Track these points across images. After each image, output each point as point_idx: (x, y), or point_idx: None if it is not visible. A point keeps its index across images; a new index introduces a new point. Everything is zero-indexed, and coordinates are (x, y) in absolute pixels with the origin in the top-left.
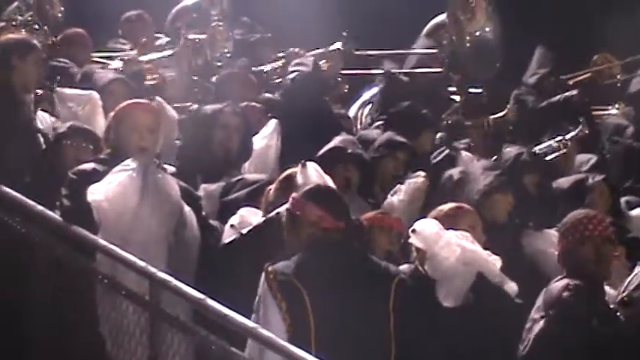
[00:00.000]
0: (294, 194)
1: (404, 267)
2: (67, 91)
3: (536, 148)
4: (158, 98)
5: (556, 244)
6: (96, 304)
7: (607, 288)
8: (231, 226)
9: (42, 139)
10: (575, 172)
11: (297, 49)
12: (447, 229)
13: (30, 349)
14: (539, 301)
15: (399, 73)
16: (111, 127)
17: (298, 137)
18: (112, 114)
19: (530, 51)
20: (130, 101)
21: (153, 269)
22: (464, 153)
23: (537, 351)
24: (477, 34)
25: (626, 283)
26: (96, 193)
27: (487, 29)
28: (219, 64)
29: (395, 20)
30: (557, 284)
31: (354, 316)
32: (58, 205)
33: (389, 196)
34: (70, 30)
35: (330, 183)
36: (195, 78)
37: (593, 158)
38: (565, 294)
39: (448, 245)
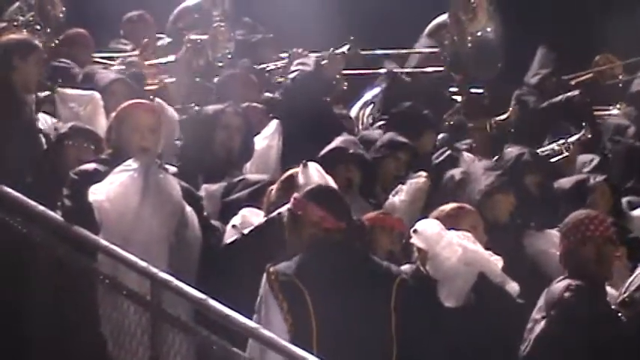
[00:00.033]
0: (295, 194)
1: (405, 267)
2: (69, 91)
3: (539, 152)
4: (158, 99)
5: (557, 245)
6: (97, 305)
7: (608, 288)
8: (233, 226)
9: (43, 140)
10: (577, 172)
11: (300, 50)
12: (449, 229)
13: (31, 349)
14: (541, 302)
15: (401, 72)
16: (112, 127)
17: (299, 137)
18: (113, 114)
19: (531, 51)
20: (131, 101)
21: (154, 269)
22: (465, 153)
23: (538, 351)
24: (479, 34)
25: (627, 284)
26: (97, 194)
27: (488, 29)
28: (220, 64)
29: (395, 20)
30: (559, 285)
31: (355, 317)
32: (59, 205)
33: (390, 196)
34: (72, 30)
35: (332, 183)
36: (197, 79)
37: (595, 159)
38: (566, 294)
39: (450, 245)
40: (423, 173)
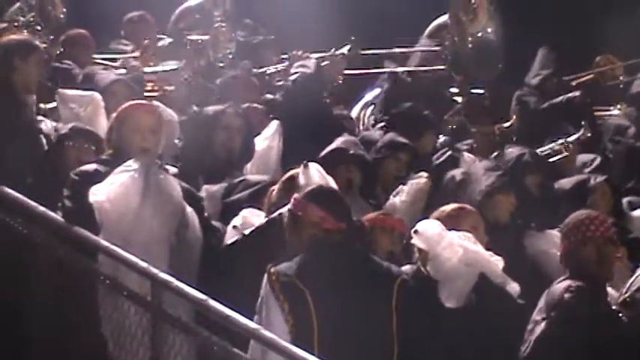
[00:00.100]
0: (295, 195)
1: (406, 268)
2: (69, 92)
3: (538, 151)
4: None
5: (558, 245)
6: (98, 305)
7: (609, 289)
8: (234, 227)
9: (44, 140)
10: (577, 172)
11: (300, 52)
12: (450, 229)
13: (31, 349)
14: (541, 303)
15: (402, 72)
16: (113, 128)
17: (300, 138)
18: (114, 115)
19: (532, 52)
20: (132, 102)
21: (155, 270)
22: (466, 154)
23: (538, 352)
24: (479, 35)
25: (628, 284)
26: (98, 194)
27: (489, 30)
28: (221, 64)
29: (395, 20)
30: (559, 286)
31: (356, 317)
32: (59, 206)
33: (391, 197)
34: (73, 31)
35: (332, 184)
36: (198, 81)
37: (597, 159)
38: (566, 296)
39: (450, 246)
40: (424, 174)
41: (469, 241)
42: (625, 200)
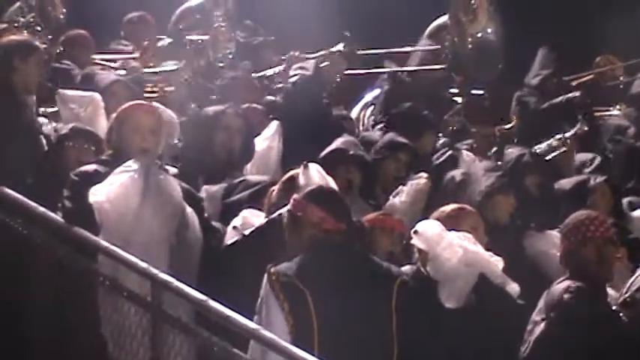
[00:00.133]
0: (295, 195)
1: (406, 268)
2: (69, 92)
3: (536, 147)
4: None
5: (558, 245)
6: (97, 306)
7: (609, 289)
8: (234, 227)
9: (44, 141)
10: (576, 171)
11: (297, 53)
12: (449, 230)
13: (31, 350)
14: (541, 303)
15: (402, 72)
16: (113, 128)
17: (300, 139)
18: (113, 115)
19: (532, 52)
20: (131, 103)
21: (154, 270)
22: (466, 154)
23: (538, 353)
24: (479, 35)
25: (628, 284)
26: (98, 195)
27: (489, 30)
28: (221, 65)
29: (395, 20)
30: (559, 286)
31: (356, 317)
32: (59, 206)
33: (391, 197)
34: (73, 31)
35: (332, 184)
36: (198, 81)
37: (597, 159)
38: (566, 296)
39: (450, 246)
40: (424, 174)
41: (469, 242)
42: (625, 200)
